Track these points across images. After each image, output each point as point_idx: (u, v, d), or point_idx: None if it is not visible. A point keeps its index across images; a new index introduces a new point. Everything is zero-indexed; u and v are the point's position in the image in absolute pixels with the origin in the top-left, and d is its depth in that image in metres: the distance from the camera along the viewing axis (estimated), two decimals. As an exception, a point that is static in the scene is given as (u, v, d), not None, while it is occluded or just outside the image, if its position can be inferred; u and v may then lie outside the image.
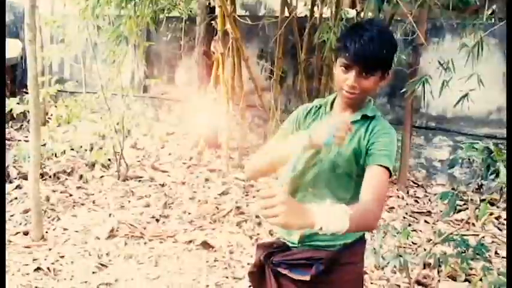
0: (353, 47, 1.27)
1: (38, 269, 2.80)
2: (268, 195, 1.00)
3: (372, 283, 2.81)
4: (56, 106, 5.89)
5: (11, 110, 4.62)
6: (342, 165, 1.38)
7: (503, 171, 2.35)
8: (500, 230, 3.76)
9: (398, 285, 2.79)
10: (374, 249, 2.77)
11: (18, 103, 4.68)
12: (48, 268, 2.81)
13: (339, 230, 1.05)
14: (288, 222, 0.99)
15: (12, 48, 6.75)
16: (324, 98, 1.53)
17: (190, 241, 3.29)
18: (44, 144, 4.87)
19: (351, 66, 1.30)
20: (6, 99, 4.78)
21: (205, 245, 3.24)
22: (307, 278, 1.38)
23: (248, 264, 3.00)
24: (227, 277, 2.85)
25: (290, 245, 1.48)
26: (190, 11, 6.13)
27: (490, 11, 4.31)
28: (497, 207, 4.15)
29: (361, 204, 1.20)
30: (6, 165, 4.25)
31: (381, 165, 1.29)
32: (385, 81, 1.36)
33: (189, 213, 3.81)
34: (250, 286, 2.69)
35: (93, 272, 2.83)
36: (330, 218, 1.04)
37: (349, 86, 1.31)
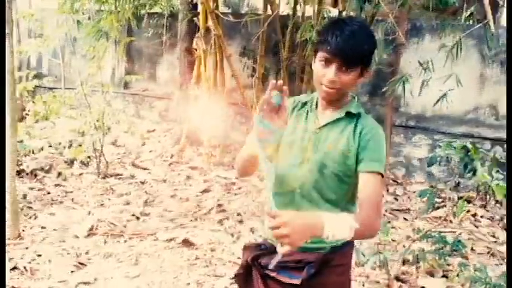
0: (334, 41, 1.26)
1: (14, 268, 2.74)
2: (272, 214, 1.10)
3: (352, 280, 2.84)
4: (33, 102, 5.78)
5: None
6: (329, 165, 1.34)
7: (480, 170, 2.41)
8: (476, 227, 3.84)
9: (378, 282, 2.83)
10: (354, 246, 2.80)
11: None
12: (24, 267, 2.75)
13: (342, 239, 1.18)
14: (296, 242, 1.09)
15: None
16: (309, 94, 1.50)
17: (171, 239, 3.27)
18: (21, 141, 4.77)
19: (331, 60, 1.28)
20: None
21: (186, 242, 3.22)
22: (297, 281, 1.36)
23: (229, 262, 3.00)
24: (208, 275, 2.84)
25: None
26: (172, 7, 6.09)
27: (468, 13, 4.40)
28: (474, 204, 4.25)
29: (363, 218, 1.23)
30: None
31: (373, 172, 1.30)
32: (364, 79, 1.35)
33: (170, 211, 3.78)
34: (232, 284, 2.69)
35: (72, 271, 2.78)
36: (337, 228, 1.15)
37: (329, 80, 1.28)
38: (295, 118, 1.43)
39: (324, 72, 1.30)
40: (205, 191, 4.26)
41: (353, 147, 1.34)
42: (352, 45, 1.25)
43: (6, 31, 2.95)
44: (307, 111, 1.43)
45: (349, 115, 1.38)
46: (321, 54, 1.30)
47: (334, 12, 5.00)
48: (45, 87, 6.68)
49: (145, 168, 4.85)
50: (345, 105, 1.39)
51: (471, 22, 4.70)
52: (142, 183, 4.40)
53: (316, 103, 1.43)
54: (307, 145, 1.38)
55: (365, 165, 1.32)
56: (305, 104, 1.46)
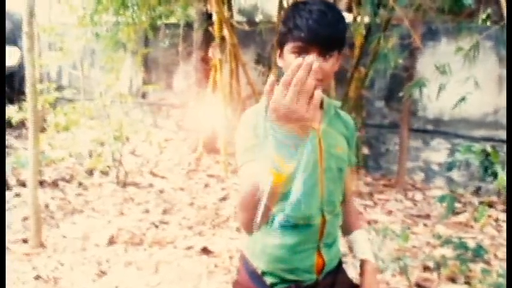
0: (306, 24, 1.08)
1: (37, 277, 2.80)
2: None
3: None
4: (54, 113, 5.91)
5: (10, 118, 4.63)
6: (344, 168, 1.28)
7: (500, 174, 2.37)
8: (498, 232, 3.77)
9: (398, 289, 2.80)
10: (374, 252, 2.77)
11: (17, 111, 4.69)
12: (47, 276, 2.81)
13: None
14: None
15: (11, 56, 6.78)
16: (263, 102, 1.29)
17: (189, 247, 3.30)
18: (43, 152, 4.88)
19: (307, 49, 1.09)
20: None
21: (205, 250, 3.24)
22: None
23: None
24: (227, 282, 2.85)
25: (309, 281, 1.25)
26: (188, 18, 6.17)
27: (485, 15, 4.35)
28: (496, 209, 4.17)
29: (355, 207, 1.45)
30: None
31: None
32: (338, 64, 1.19)
33: (189, 219, 3.81)
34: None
35: (93, 280, 2.83)
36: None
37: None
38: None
39: None
40: (223, 198, 4.28)
41: (349, 143, 1.32)
42: (327, 26, 1.09)
43: (28, 45, 3.05)
44: None
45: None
46: (292, 45, 1.11)
47: (349, 18, 4.99)
48: (65, 98, 6.83)
49: (163, 177, 4.90)
50: (323, 101, 1.27)
51: (488, 24, 4.65)
52: (161, 191, 4.45)
53: None
54: (317, 155, 1.20)
55: (352, 160, 1.34)
56: None
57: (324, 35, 1.08)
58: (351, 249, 1.41)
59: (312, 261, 1.23)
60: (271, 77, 0.82)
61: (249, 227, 1.00)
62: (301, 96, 0.78)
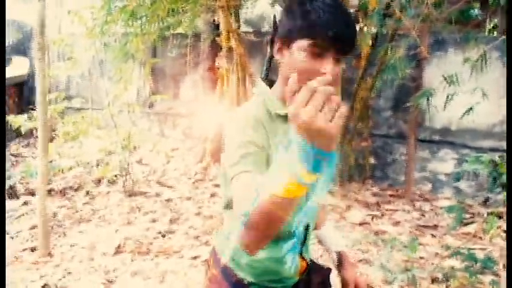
0: (325, 21, 0.96)
1: (45, 285, 2.81)
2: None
3: None
4: (63, 123, 5.96)
5: (19, 127, 4.69)
6: None
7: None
8: (508, 243, 3.73)
9: (406, 300, 2.77)
10: (381, 263, 2.76)
11: (26, 120, 4.74)
12: (55, 285, 2.82)
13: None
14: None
15: (21, 66, 6.87)
16: (255, 101, 1.17)
17: (196, 257, 3.29)
18: (51, 161, 4.92)
19: (325, 48, 0.98)
20: (14, 116, 4.84)
21: (212, 260, 3.23)
22: None
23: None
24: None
25: (291, 284, 1.25)
26: (196, 28, 6.22)
27: (491, 25, 4.35)
28: (505, 220, 4.13)
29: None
30: (13, 182, 4.28)
31: None
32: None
33: (195, 229, 3.81)
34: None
35: (100, 288, 2.83)
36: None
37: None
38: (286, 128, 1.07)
39: (316, 65, 0.99)
40: (229, 208, 4.28)
41: None
42: (347, 25, 0.98)
43: (39, 55, 3.09)
44: (282, 121, 1.11)
45: None
46: (308, 43, 0.99)
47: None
48: (73, 108, 6.89)
49: (170, 186, 4.91)
50: None
51: (495, 34, 4.65)
52: (168, 201, 4.46)
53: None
54: None
55: None
56: (272, 114, 1.12)
57: (346, 35, 0.98)
58: (321, 243, 1.41)
59: (297, 267, 1.22)
60: (293, 78, 0.75)
61: (256, 247, 0.89)
62: (324, 112, 0.72)
